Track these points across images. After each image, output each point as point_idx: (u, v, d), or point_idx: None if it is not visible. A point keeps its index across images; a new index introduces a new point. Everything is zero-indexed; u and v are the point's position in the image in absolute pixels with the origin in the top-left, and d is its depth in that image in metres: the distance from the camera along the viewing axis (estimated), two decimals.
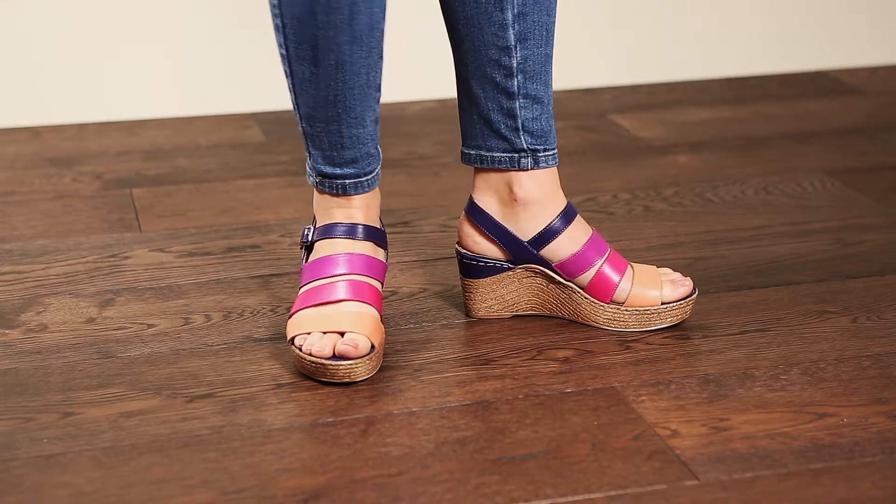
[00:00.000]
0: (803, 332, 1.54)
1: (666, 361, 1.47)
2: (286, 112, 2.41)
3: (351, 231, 1.49)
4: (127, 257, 1.77)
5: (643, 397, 1.40)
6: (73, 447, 1.32)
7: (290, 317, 1.47)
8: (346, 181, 1.47)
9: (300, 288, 1.49)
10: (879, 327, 1.55)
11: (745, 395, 1.40)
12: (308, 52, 1.39)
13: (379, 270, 1.50)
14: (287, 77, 1.43)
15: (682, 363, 1.47)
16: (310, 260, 1.50)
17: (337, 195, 1.48)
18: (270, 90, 2.43)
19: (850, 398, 1.40)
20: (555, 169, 1.54)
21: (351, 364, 1.41)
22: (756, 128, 2.31)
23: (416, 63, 2.44)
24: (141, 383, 1.44)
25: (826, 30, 2.64)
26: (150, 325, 1.57)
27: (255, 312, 1.60)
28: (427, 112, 2.40)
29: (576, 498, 1.23)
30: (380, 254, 1.51)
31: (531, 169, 1.52)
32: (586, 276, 1.53)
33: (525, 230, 1.54)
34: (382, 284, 1.51)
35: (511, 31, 1.47)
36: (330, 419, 1.36)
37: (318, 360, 1.41)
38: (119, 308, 1.62)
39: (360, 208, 1.49)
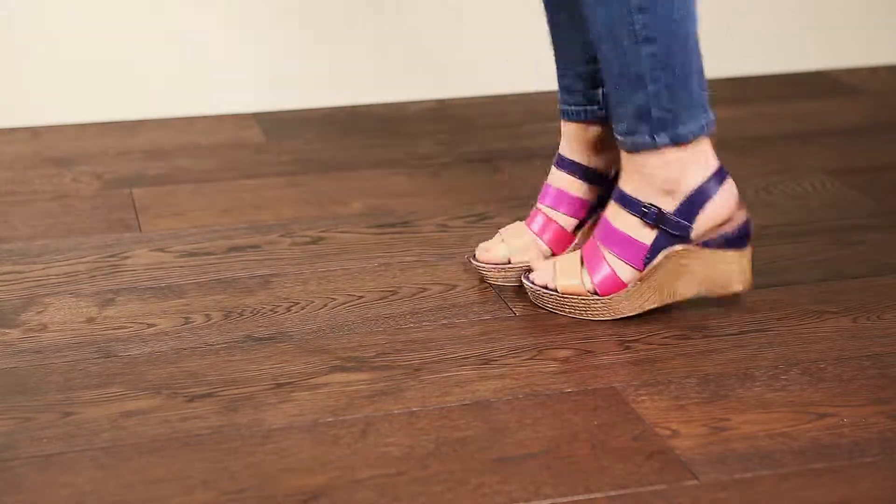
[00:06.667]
0: (803, 333, 1.54)
1: (666, 361, 1.47)
2: (286, 112, 2.41)
3: None
4: (127, 257, 1.77)
5: (643, 397, 1.40)
6: (73, 447, 1.32)
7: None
8: None
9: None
10: (879, 327, 1.55)
11: (745, 395, 1.40)
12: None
13: None
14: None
15: (682, 363, 1.47)
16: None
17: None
18: (270, 90, 2.43)
19: (850, 398, 1.40)
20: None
21: None
22: (756, 128, 2.31)
23: (416, 63, 2.44)
24: (141, 383, 1.44)
25: (826, 30, 2.64)
26: (150, 325, 1.57)
27: (255, 312, 1.60)
28: (427, 112, 2.40)
29: (576, 498, 1.23)
30: None
31: None
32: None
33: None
34: None
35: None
36: (330, 419, 1.36)
37: None
38: (119, 308, 1.62)
39: None
